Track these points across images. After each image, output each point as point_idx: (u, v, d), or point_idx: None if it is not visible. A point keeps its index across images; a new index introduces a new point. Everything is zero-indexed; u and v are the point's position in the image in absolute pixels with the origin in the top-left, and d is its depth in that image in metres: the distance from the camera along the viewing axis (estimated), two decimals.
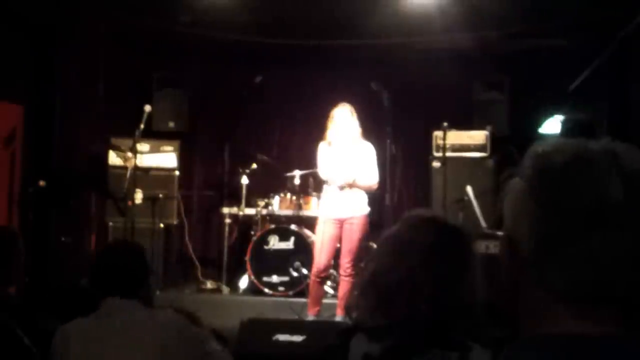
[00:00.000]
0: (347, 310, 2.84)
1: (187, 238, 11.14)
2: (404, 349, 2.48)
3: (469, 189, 8.91)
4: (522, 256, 1.47)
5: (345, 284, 8.35)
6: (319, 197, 9.27)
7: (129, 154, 9.19)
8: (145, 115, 8.99)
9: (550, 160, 1.46)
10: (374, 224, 8.89)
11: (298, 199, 10.17)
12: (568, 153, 1.45)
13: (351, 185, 8.29)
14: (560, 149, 1.47)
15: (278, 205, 10.35)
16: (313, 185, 10.17)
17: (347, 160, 8.31)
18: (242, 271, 10.23)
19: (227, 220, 10.57)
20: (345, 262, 8.32)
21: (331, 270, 9.19)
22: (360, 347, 2.55)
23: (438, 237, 2.62)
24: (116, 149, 10.15)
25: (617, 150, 1.43)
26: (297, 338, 6.62)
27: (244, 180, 10.39)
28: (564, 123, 7.20)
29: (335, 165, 8.35)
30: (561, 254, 1.40)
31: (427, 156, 10.66)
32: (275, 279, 9.85)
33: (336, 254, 8.63)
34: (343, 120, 8.37)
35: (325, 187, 8.59)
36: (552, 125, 9.29)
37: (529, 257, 1.46)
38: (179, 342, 3.68)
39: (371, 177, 8.42)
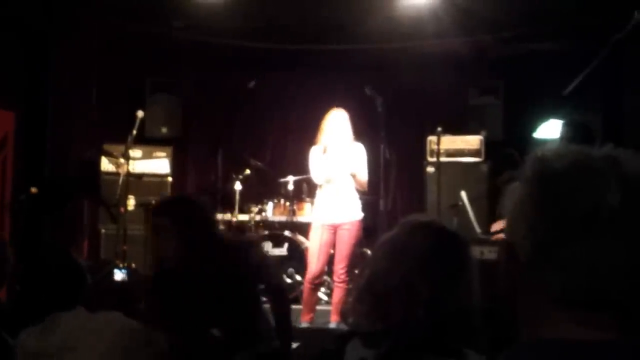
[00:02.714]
0: (343, 315, 2.85)
1: None
2: (399, 354, 2.48)
3: (463, 194, 8.91)
4: (521, 260, 1.48)
5: (339, 290, 8.33)
6: (312, 203, 9.24)
7: (122, 160, 9.18)
8: (137, 121, 8.98)
9: (550, 165, 1.47)
10: (368, 229, 8.89)
11: (292, 204, 10.17)
12: (568, 158, 1.46)
13: (353, 175, 8.26)
14: (562, 154, 1.48)
15: (272, 211, 10.33)
16: (307, 191, 10.16)
17: (339, 164, 8.28)
18: None
19: (221, 227, 10.53)
20: (339, 268, 8.30)
21: (325, 277, 9.18)
22: (356, 352, 2.56)
23: (435, 241, 2.63)
24: (109, 155, 10.14)
25: (619, 158, 1.45)
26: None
27: (238, 186, 10.36)
28: (564, 126, 7.19)
29: (327, 169, 8.32)
30: (557, 258, 1.42)
31: (421, 161, 10.71)
32: None
33: (330, 260, 8.60)
34: (337, 125, 8.36)
35: (318, 192, 8.57)
36: (546, 130, 9.28)
37: (526, 261, 1.47)
38: (124, 345, 3.58)
39: (362, 175, 8.40)
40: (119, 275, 4.67)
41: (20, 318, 3.88)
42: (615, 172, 1.41)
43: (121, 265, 8.51)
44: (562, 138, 7.04)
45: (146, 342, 3.73)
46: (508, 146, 10.04)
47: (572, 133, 6.88)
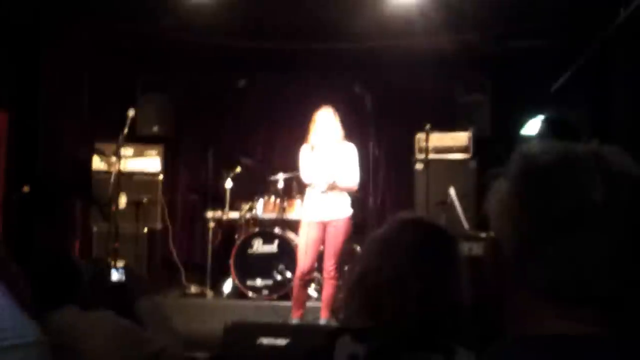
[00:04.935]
0: (334, 311, 2.87)
1: (171, 242, 11.12)
2: (389, 350, 2.49)
3: (451, 190, 8.93)
4: (507, 256, 1.49)
5: (329, 287, 8.36)
6: (302, 200, 9.26)
7: (113, 159, 9.18)
8: (129, 120, 8.97)
9: (535, 161, 1.48)
10: (358, 226, 8.91)
11: (282, 202, 10.18)
12: (553, 155, 1.47)
13: (332, 187, 8.30)
14: (547, 150, 1.49)
15: (262, 208, 10.35)
16: (297, 188, 10.18)
17: (328, 162, 8.33)
18: (226, 275, 10.22)
19: (211, 224, 10.56)
20: (329, 264, 8.33)
21: (315, 273, 9.20)
22: (346, 348, 2.55)
23: (425, 237, 2.65)
24: (100, 153, 10.14)
25: (603, 154, 1.46)
26: (281, 341, 6.62)
27: (228, 184, 10.39)
28: (544, 122, 7.23)
29: (317, 167, 8.37)
30: (542, 254, 1.42)
31: (410, 158, 10.66)
32: (259, 282, 9.85)
33: (320, 257, 8.64)
34: (325, 123, 8.40)
35: (307, 190, 8.60)
36: (534, 127, 9.32)
37: (512, 257, 1.48)
38: (114, 340, 3.59)
39: (352, 177, 8.44)
40: (115, 275, 4.63)
41: None
42: (600, 167, 1.42)
43: (117, 265, 8.52)
44: (539, 135, 7.06)
45: (138, 342, 3.76)
46: (496, 143, 10.08)
47: (549, 129, 6.93)
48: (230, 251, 10.00)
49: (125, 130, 8.92)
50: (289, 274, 9.62)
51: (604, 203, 1.39)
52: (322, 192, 8.31)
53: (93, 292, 3.98)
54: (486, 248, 1.60)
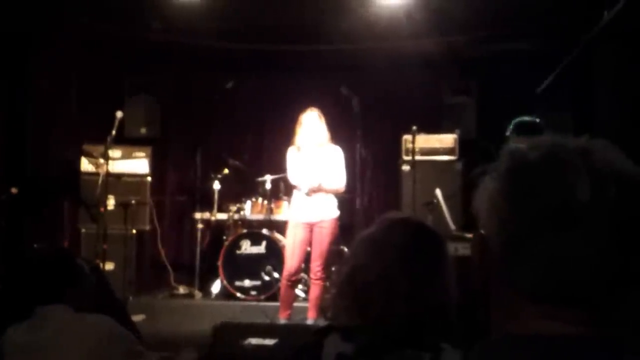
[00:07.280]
0: (323, 310, 2.88)
1: (159, 243, 11.11)
2: (377, 348, 2.50)
3: (438, 191, 8.97)
4: (494, 254, 1.48)
5: (315, 288, 8.41)
6: (289, 202, 9.30)
7: (101, 160, 9.19)
8: (117, 122, 8.99)
9: (522, 159, 1.46)
10: (345, 227, 8.96)
11: (269, 203, 10.22)
12: (541, 152, 1.45)
13: (317, 190, 8.36)
14: (535, 146, 1.47)
15: (250, 209, 10.39)
16: (284, 189, 10.21)
17: (314, 165, 8.38)
18: (215, 276, 10.26)
19: (200, 226, 10.59)
20: (316, 265, 8.38)
21: (302, 274, 9.24)
22: (334, 346, 2.57)
23: (413, 237, 2.66)
24: (88, 155, 10.13)
25: (591, 150, 1.44)
26: (269, 341, 6.65)
27: (216, 185, 10.42)
28: (512, 125, 7.26)
29: (303, 169, 8.42)
30: (527, 253, 1.41)
31: (397, 160, 10.71)
32: (247, 283, 9.89)
33: (307, 258, 8.68)
34: (311, 125, 8.44)
35: (295, 191, 8.64)
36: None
37: (498, 255, 1.47)
38: (108, 345, 3.56)
39: (338, 180, 8.50)
40: None
41: (3, 316, 3.94)
42: (587, 166, 1.39)
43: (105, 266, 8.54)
44: (507, 138, 7.08)
45: (131, 352, 3.78)
46: (484, 141, 10.11)
47: (517, 132, 6.94)
48: (218, 252, 10.04)
49: (113, 132, 8.93)
50: (276, 275, 9.66)
51: (589, 203, 1.37)
52: (306, 195, 8.37)
53: (94, 294, 3.99)
54: (473, 245, 1.57)
